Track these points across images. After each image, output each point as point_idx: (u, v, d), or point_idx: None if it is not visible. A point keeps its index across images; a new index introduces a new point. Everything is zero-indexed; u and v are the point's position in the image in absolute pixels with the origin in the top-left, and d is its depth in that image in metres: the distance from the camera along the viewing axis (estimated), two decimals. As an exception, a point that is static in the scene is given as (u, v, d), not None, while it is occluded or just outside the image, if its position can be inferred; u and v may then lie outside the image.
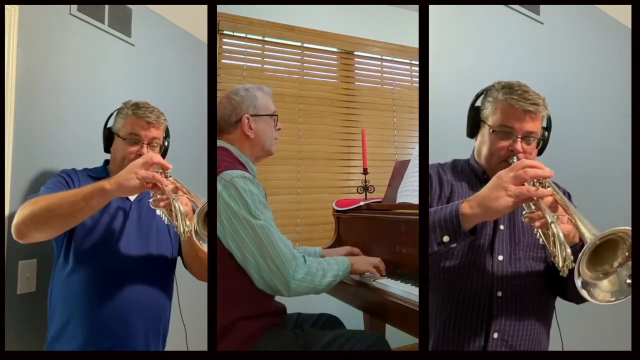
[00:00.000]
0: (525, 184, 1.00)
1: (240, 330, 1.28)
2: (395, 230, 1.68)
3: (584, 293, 0.90)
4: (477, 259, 1.18)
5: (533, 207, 1.00)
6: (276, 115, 1.53)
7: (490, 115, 1.22)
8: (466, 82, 1.47)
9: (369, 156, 2.31)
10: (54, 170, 1.56)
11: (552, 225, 0.93)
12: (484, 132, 1.25)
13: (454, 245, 1.02)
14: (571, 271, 0.90)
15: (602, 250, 0.91)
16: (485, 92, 1.26)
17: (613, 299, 0.91)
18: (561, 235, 0.92)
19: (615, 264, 0.93)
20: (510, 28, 2.09)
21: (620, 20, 2.30)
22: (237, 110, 1.47)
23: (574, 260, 0.90)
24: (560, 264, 0.91)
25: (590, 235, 0.89)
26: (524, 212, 1.02)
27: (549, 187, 1.02)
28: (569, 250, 0.91)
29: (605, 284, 0.92)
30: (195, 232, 1.18)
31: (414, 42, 1.42)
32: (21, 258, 1.45)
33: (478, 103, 1.27)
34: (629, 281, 0.92)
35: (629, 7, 1.48)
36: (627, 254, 0.92)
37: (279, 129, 1.55)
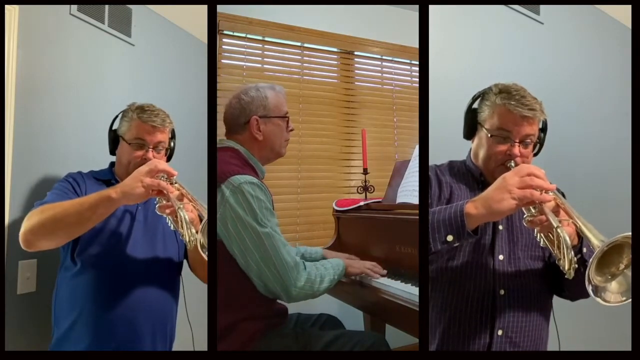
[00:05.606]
0: None
1: (241, 331, 1.28)
2: (395, 230, 1.68)
3: (597, 299, 0.93)
4: (479, 259, 1.20)
5: (533, 211, 1.02)
6: (288, 117, 1.50)
7: (488, 118, 1.23)
8: (466, 82, 1.47)
9: (369, 156, 2.31)
10: (54, 172, 1.55)
11: (558, 230, 0.96)
12: (481, 135, 1.25)
13: (456, 244, 1.04)
14: (577, 274, 0.94)
15: (608, 254, 0.93)
16: (482, 95, 1.27)
17: (624, 298, 0.94)
18: (567, 239, 0.95)
19: (621, 266, 0.95)
20: (510, 28, 2.09)
21: (620, 20, 2.30)
22: (245, 111, 1.44)
23: (584, 266, 0.92)
24: (567, 267, 0.95)
25: (597, 242, 0.91)
26: (524, 216, 1.03)
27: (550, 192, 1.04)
28: (572, 253, 0.94)
29: (614, 285, 0.94)
30: (202, 245, 1.18)
31: (414, 42, 1.42)
32: (21, 258, 1.45)
33: (475, 105, 1.28)
34: None
35: (629, 7, 1.48)
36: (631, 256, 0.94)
37: (291, 130, 1.51)
